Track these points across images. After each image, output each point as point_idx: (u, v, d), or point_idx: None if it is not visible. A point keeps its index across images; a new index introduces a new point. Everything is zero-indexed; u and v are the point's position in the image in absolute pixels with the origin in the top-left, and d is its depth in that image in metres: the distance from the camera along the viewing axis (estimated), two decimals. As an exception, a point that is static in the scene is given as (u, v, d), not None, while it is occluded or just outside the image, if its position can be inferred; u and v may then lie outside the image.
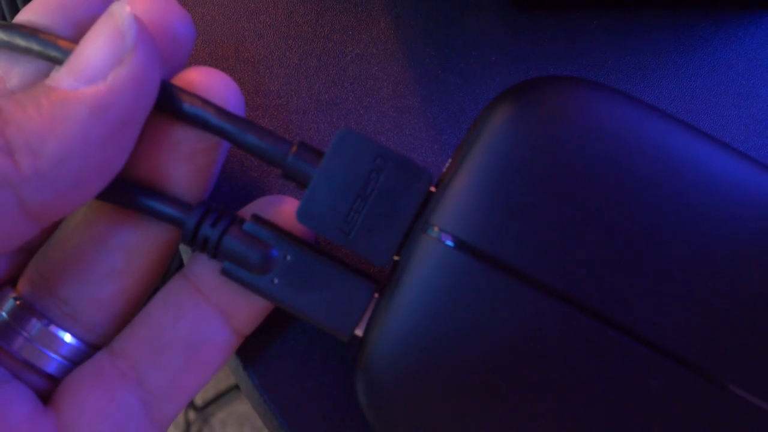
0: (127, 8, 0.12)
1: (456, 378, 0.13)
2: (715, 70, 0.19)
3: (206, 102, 0.13)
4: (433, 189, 0.14)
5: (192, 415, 0.72)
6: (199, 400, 0.71)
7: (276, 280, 0.13)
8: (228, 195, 0.16)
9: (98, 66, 0.12)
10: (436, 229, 0.13)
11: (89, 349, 0.14)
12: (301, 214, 0.13)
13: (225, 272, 0.13)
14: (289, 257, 0.13)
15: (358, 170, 0.14)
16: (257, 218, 0.14)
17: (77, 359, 0.14)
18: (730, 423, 0.13)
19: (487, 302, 0.13)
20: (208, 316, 0.14)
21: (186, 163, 0.14)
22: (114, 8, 0.12)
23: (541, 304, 0.13)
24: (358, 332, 0.13)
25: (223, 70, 0.17)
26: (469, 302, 0.13)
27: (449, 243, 0.13)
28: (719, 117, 0.18)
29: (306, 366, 0.16)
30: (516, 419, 0.13)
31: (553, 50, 0.18)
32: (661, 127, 0.13)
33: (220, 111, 0.14)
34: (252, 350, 0.16)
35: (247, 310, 0.14)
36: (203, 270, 0.14)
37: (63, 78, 0.12)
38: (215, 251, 0.13)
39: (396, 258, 0.13)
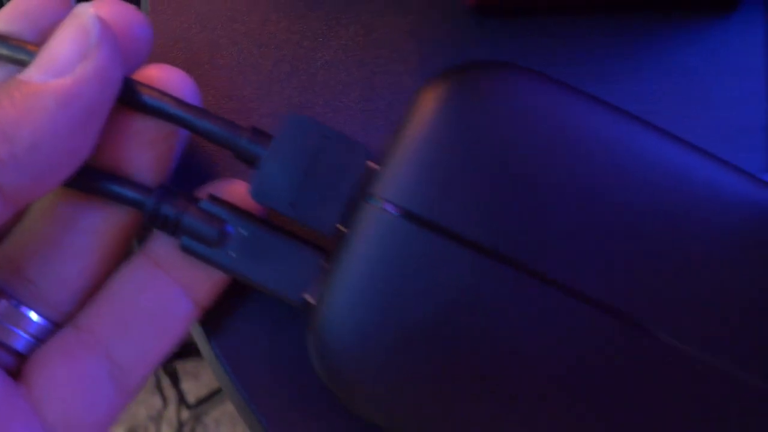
0: (91, 10, 0.13)
1: (400, 335, 0.14)
2: (671, 72, 0.20)
3: (164, 93, 0.15)
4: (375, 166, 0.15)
5: (185, 414, 0.73)
6: (192, 399, 0.72)
7: (231, 253, 0.15)
8: (186, 179, 0.17)
9: (65, 61, 0.13)
10: (378, 198, 0.14)
11: (55, 327, 0.15)
12: (254, 191, 0.15)
13: (184, 248, 0.15)
14: (242, 231, 0.15)
15: (305, 149, 0.15)
16: (213, 197, 0.15)
17: (44, 337, 0.15)
18: (654, 366, 0.14)
19: (424, 262, 0.14)
20: (168, 289, 0.15)
21: (147, 151, 0.15)
22: (79, 9, 0.14)
23: (476, 262, 0.14)
24: (312, 300, 0.15)
25: (199, 75, 0.18)
26: (408, 264, 0.14)
27: (390, 210, 0.14)
28: (676, 118, 0.19)
29: (269, 337, 0.17)
30: (458, 370, 0.14)
31: (515, 55, 0.19)
32: (576, 100, 0.15)
33: (177, 101, 0.15)
34: (216, 322, 0.17)
35: (205, 282, 0.15)
36: (162, 247, 0.15)
37: (33, 72, 0.13)
38: (175, 229, 0.15)
39: (343, 229, 0.15)
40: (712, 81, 0.20)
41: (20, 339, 0.15)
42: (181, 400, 0.70)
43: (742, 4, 0.21)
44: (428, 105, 0.15)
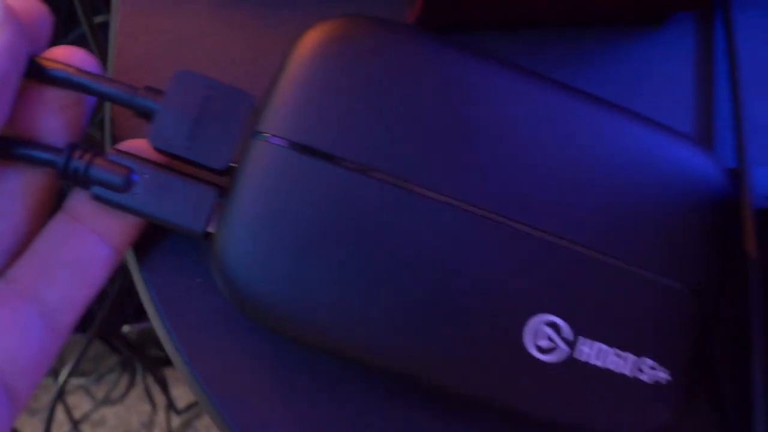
0: None
1: (290, 251, 0.16)
2: (606, 83, 0.22)
3: (67, 65, 0.17)
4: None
5: (175, 420, 0.74)
6: (182, 404, 0.73)
7: (138, 197, 0.16)
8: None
9: None
10: (263, 134, 0.16)
11: None
12: (151, 138, 0.16)
13: (95, 197, 0.16)
14: (146, 176, 0.16)
15: (194, 99, 0.17)
16: (117, 150, 0.17)
17: None
18: (511, 247, 0.16)
19: (308, 184, 0.16)
20: (86, 239, 0.17)
21: (58, 117, 0.17)
22: None
23: (351, 178, 0.16)
24: (212, 229, 0.16)
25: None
26: (293, 187, 0.16)
27: (275, 142, 0.16)
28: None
29: (191, 268, 0.19)
30: (344, 273, 0.16)
31: None
32: (431, 42, 0.17)
33: (78, 70, 0.17)
34: (146, 256, 0.19)
35: (119, 228, 0.17)
36: (78, 202, 0.17)
37: None
38: (85, 181, 0.16)
39: (235, 165, 0.17)
40: (643, 90, 0.22)
41: None
42: (171, 405, 0.71)
43: (670, 18, 0.23)
44: (303, 48, 0.17)
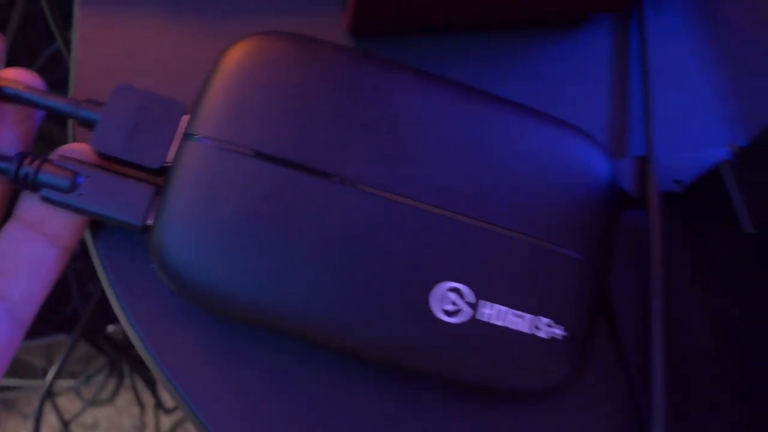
0: None
1: (217, 236, 0.18)
2: (531, 80, 0.24)
3: (17, 82, 0.19)
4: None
5: (165, 422, 0.76)
6: (171, 404, 0.75)
7: (82, 197, 0.18)
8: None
9: None
10: (194, 136, 0.18)
11: None
12: (93, 142, 0.18)
13: (44, 198, 0.18)
14: (89, 178, 0.19)
15: (131, 108, 0.19)
16: (63, 156, 0.19)
17: None
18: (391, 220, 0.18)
19: (233, 177, 0.18)
20: (38, 242, 0.19)
21: (11, 130, 0.19)
22: None
23: (268, 169, 0.18)
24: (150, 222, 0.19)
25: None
26: (220, 179, 0.18)
27: (204, 142, 0.18)
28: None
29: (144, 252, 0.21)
30: (267, 253, 0.18)
31: None
32: (332, 49, 0.19)
33: (28, 87, 0.19)
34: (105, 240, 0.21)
35: (67, 230, 0.19)
36: (28, 209, 0.19)
37: None
38: (35, 185, 0.18)
39: (169, 164, 0.19)
40: (564, 87, 0.24)
41: None
42: (159, 405, 0.73)
43: (589, 20, 0.25)
44: (227, 60, 0.19)
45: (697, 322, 0.22)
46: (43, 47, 0.50)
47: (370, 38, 0.24)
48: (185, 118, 0.19)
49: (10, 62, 0.49)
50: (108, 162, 0.19)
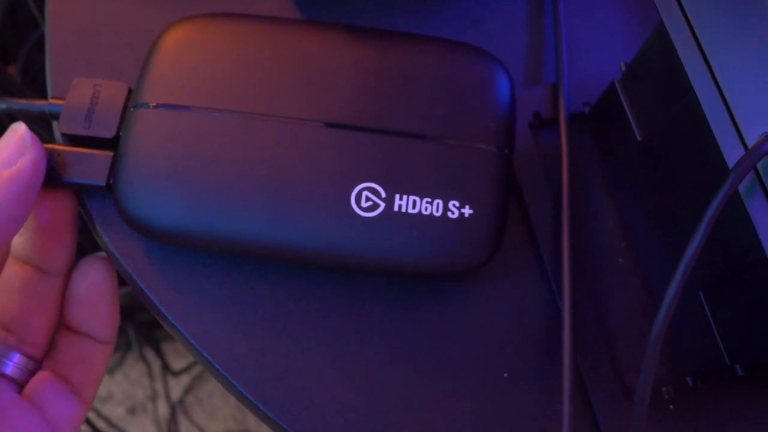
0: (23, 125, 0.21)
1: (170, 181, 0.22)
2: (455, 21, 0.28)
3: None
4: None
5: (177, 390, 0.79)
6: (177, 367, 0.78)
7: (55, 172, 0.22)
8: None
9: (10, 157, 0.20)
10: (138, 104, 0.22)
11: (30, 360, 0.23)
12: (61, 126, 0.23)
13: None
14: (59, 156, 0.23)
15: (87, 94, 0.23)
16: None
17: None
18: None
19: (173, 129, 0.22)
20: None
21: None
22: (15, 126, 0.21)
23: (200, 117, 0.22)
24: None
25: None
26: (165, 135, 0.22)
27: (147, 107, 0.22)
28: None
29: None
30: (209, 186, 0.22)
31: (330, 19, 0.27)
32: (253, 21, 0.24)
33: (2, 98, 0.23)
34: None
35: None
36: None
37: None
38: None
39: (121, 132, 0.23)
40: (485, 24, 0.28)
41: (8, 367, 0.23)
42: (166, 367, 0.77)
43: None
44: (161, 41, 0.23)
45: (607, 221, 0.26)
46: (30, 31, 0.54)
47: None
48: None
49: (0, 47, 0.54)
50: (74, 142, 0.23)
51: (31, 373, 0.23)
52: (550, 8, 0.29)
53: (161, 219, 0.22)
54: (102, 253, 0.24)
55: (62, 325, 0.24)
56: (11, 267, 0.23)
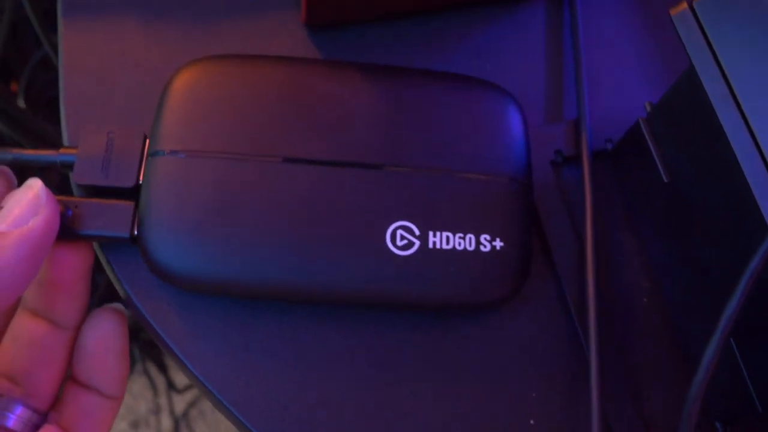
0: (40, 182, 0.20)
1: (196, 231, 0.21)
2: (472, 55, 0.28)
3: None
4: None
5: (180, 405, 0.78)
6: (181, 385, 0.78)
7: (75, 225, 0.22)
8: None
9: (23, 216, 0.20)
10: (154, 152, 0.22)
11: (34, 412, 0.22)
12: (76, 177, 0.22)
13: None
14: (77, 208, 0.22)
15: (101, 143, 0.22)
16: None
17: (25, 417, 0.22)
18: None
19: (194, 177, 0.22)
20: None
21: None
22: (31, 182, 0.20)
23: (223, 164, 0.22)
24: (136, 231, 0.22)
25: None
26: (186, 182, 0.21)
27: (164, 155, 0.22)
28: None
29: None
30: (238, 235, 0.21)
31: (347, 58, 0.27)
32: (262, 62, 0.23)
33: (12, 149, 0.22)
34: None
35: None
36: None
37: (1, 224, 0.20)
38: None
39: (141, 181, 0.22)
40: (503, 59, 0.28)
41: (10, 420, 0.22)
42: (171, 386, 0.76)
43: None
44: (173, 85, 0.23)
45: (632, 261, 0.25)
46: (34, 50, 0.53)
47: (325, 29, 0.27)
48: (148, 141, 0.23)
49: (2, 66, 0.53)
50: (90, 192, 0.23)
51: (36, 427, 0.22)
52: (569, 44, 0.29)
53: (196, 269, 0.21)
54: (115, 305, 0.24)
55: (70, 377, 0.23)
56: (21, 319, 0.23)
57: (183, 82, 0.23)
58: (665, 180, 0.23)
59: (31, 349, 0.22)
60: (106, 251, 0.24)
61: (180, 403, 0.80)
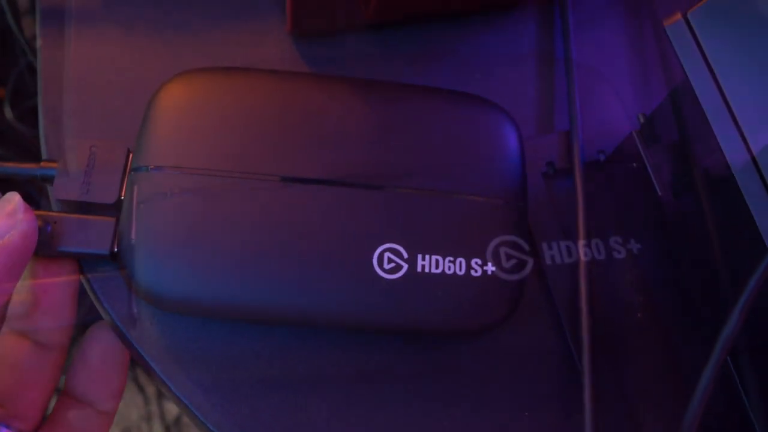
0: (18, 196, 0.20)
1: (179, 245, 0.21)
2: (462, 66, 0.27)
3: None
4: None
5: (172, 413, 0.77)
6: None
7: (55, 242, 0.21)
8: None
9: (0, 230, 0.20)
10: (137, 167, 0.21)
11: None
12: (56, 192, 0.22)
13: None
14: (56, 223, 0.21)
15: (83, 157, 0.22)
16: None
17: None
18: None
19: (178, 194, 0.21)
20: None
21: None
22: (9, 196, 0.20)
23: (205, 181, 0.21)
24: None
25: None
26: (169, 199, 0.21)
27: (147, 170, 0.21)
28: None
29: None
30: (223, 252, 0.21)
31: (333, 68, 0.26)
32: (249, 75, 0.23)
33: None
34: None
35: None
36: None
37: None
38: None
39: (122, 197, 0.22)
40: (494, 71, 0.27)
41: None
42: (161, 393, 0.75)
43: (516, 6, 0.28)
44: (157, 100, 0.22)
45: (625, 275, 0.25)
46: (21, 56, 0.53)
47: (311, 39, 0.27)
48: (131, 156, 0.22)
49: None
50: (71, 207, 0.22)
51: None
52: (561, 54, 0.28)
53: (177, 290, 0.21)
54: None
55: (62, 393, 0.23)
56: (7, 339, 0.22)
57: (169, 96, 0.22)
58: (659, 193, 0.23)
59: (17, 370, 0.22)
60: (87, 268, 0.23)
61: (171, 410, 0.79)
